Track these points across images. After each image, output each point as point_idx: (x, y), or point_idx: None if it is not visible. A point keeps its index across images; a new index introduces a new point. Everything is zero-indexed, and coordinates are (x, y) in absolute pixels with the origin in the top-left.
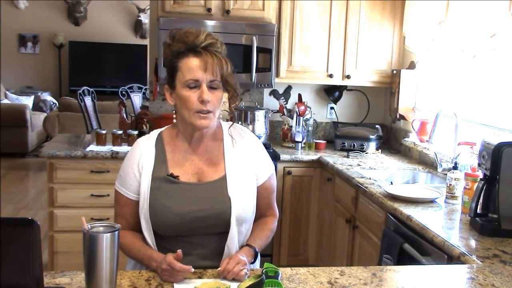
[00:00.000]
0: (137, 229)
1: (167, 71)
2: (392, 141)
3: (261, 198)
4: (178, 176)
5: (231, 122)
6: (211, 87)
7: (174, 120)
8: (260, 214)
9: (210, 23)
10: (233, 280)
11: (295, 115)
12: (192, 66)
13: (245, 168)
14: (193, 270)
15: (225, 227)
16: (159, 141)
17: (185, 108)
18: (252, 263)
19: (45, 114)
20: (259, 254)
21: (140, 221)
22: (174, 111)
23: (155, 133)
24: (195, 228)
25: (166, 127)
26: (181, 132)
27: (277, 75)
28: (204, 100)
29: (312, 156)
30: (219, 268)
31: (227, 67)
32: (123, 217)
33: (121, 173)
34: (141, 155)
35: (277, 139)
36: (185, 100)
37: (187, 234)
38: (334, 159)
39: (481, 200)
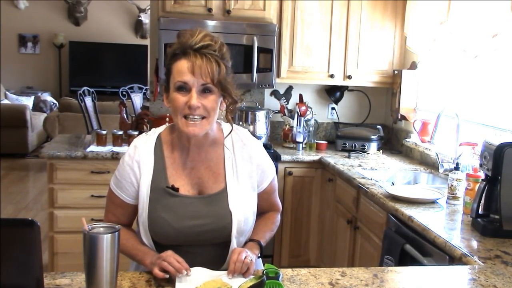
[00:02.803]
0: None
1: (165, 72)
2: (393, 142)
3: (262, 200)
4: (178, 188)
5: (230, 127)
6: (203, 91)
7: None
8: (263, 212)
9: (210, 23)
10: (239, 276)
11: (296, 116)
12: (181, 68)
13: (246, 178)
14: (190, 272)
15: (225, 239)
16: (158, 145)
17: (174, 112)
18: (259, 257)
19: (45, 115)
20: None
21: (130, 221)
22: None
23: (153, 134)
24: (194, 241)
25: (165, 126)
26: (178, 138)
27: (278, 75)
28: (191, 105)
29: (313, 156)
30: (227, 271)
31: (220, 70)
32: (114, 215)
33: (117, 175)
34: (139, 161)
35: (278, 140)
36: (174, 103)
37: (186, 245)
38: (335, 159)
39: (482, 201)
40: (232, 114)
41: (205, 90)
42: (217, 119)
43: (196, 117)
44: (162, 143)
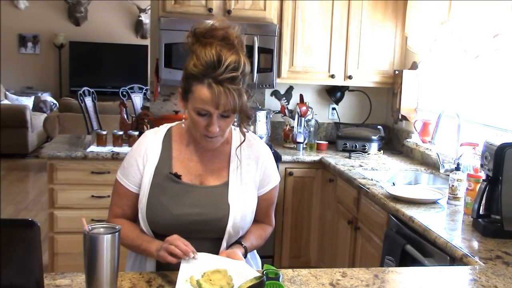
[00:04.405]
0: (133, 220)
1: (183, 84)
2: (394, 142)
3: (259, 207)
4: (181, 176)
5: (242, 136)
6: (223, 116)
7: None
8: (256, 222)
9: (212, 22)
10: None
11: (296, 116)
12: (204, 98)
13: (250, 176)
14: (197, 256)
15: (220, 234)
16: (167, 137)
17: (193, 128)
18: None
19: (45, 115)
20: (257, 256)
21: (136, 213)
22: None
23: (164, 128)
24: (189, 231)
25: (176, 123)
26: (189, 134)
27: (279, 75)
28: (211, 132)
29: (314, 157)
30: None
31: (241, 100)
32: (120, 207)
33: (124, 164)
34: (147, 148)
35: (278, 140)
36: (193, 122)
37: (181, 237)
38: (336, 160)
39: (483, 201)
40: (245, 125)
41: (224, 115)
42: None
43: (213, 138)
44: (172, 135)
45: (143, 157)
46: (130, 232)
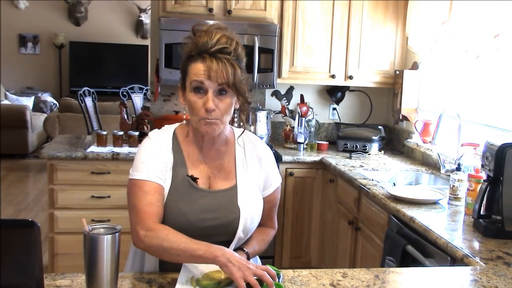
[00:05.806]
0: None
1: (181, 71)
2: (395, 142)
3: (263, 209)
4: (198, 178)
5: (242, 129)
6: (219, 93)
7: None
8: (259, 224)
9: (211, 23)
10: None
11: (297, 116)
12: (197, 71)
13: (255, 178)
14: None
15: (230, 237)
16: (175, 139)
17: (191, 113)
18: None
19: (45, 115)
20: (258, 258)
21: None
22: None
23: (170, 129)
24: (201, 235)
25: (179, 124)
26: (193, 133)
27: (279, 75)
28: (208, 108)
29: (314, 157)
30: None
31: (235, 73)
32: (154, 206)
33: (143, 161)
34: (161, 148)
35: (279, 140)
36: (191, 105)
37: None
38: (337, 160)
39: (484, 202)
40: (245, 113)
41: (221, 92)
42: (231, 125)
43: (212, 120)
44: (178, 137)
45: (162, 154)
46: (180, 235)
